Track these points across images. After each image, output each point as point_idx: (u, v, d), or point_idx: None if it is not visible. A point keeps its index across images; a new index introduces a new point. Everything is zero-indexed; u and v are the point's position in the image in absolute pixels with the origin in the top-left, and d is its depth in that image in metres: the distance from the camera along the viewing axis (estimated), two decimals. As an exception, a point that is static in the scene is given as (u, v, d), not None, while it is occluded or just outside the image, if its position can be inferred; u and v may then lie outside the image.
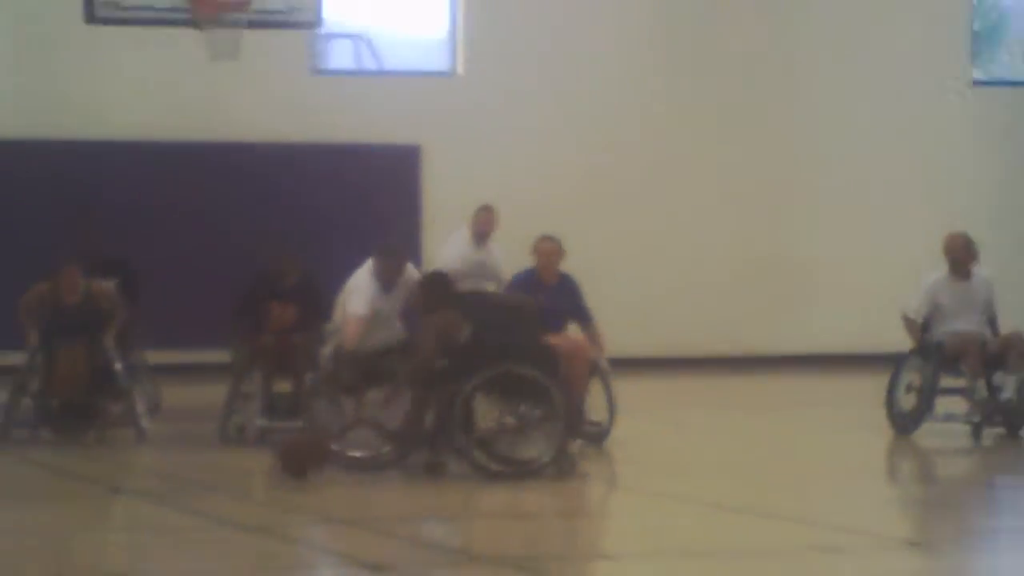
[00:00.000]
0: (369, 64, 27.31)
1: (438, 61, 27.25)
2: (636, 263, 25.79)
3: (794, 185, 27.90)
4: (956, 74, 28.70)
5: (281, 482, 14.71)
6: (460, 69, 27.05)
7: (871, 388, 18.20)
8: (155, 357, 19.35)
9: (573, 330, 17.53)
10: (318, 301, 17.25)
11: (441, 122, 26.34)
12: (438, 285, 15.62)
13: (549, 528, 13.84)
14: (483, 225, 19.04)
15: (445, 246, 19.64)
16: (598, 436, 16.77)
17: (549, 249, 17.39)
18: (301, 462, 14.72)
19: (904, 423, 17.35)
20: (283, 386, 17.33)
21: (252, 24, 21.06)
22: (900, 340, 18.05)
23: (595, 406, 16.81)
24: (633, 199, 26.63)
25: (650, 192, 26.68)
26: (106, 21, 21.01)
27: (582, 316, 17.44)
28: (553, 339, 16.38)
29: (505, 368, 15.07)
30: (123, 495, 15.11)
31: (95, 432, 16.83)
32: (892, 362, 17.93)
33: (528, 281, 17.28)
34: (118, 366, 17.07)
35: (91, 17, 20.74)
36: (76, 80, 25.04)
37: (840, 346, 26.86)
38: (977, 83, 28.95)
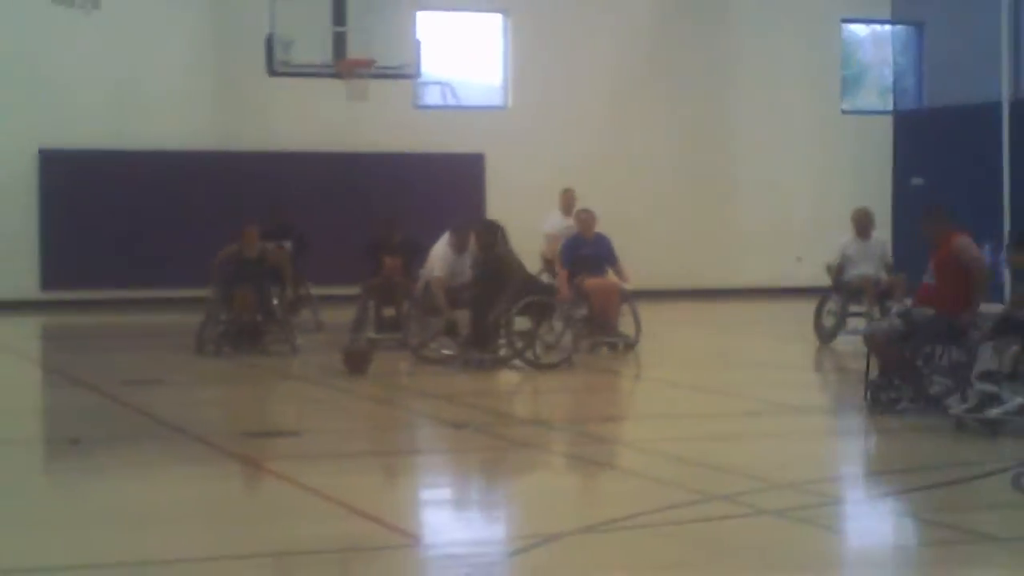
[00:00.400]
0: (451, 100, 27.21)
1: (496, 98, 27.50)
2: (640, 222, 25.60)
3: (727, 167, 27.76)
4: (832, 104, 29.07)
5: (350, 375, 14.20)
6: (510, 103, 27.27)
7: (800, 313, 18.12)
8: (316, 290, 19.06)
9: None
10: (416, 253, 16.89)
11: (498, 139, 26.49)
12: (490, 231, 15.53)
13: (580, 401, 13.88)
14: (568, 201, 18.72)
15: (547, 218, 19.11)
16: (630, 345, 16.45)
17: (586, 217, 17.24)
18: (356, 363, 14.39)
19: (825, 336, 17.23)
20: (389, 311, 17.10)
21: (375, 76, 21.11)
22: (819, 278, 18.07)
23: (625, 324, 16.59)
24: (633, 179, 26.27)
25: (641, 174, 26.48)
26: (281, 73, 20.86)
27: (612, 261, 16.97)
28: (592, 279, 16.54)
29: (534, 297, 15.10)
30: (289, 380, 15.00)
31: (261, 348, 16.10)
32: (817, 295, 17.78)
33: (575, 239, 17.06)
34: (276, 303, 16.44)
35: (271, 71, 20.77)
36: (260, 111, 24.83)
37: (771, 282, 26.81)
38: (844, 112, 29.21)
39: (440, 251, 15.94)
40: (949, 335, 11.55)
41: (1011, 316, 11.08)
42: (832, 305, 17.45)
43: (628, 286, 16.86)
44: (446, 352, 15.40)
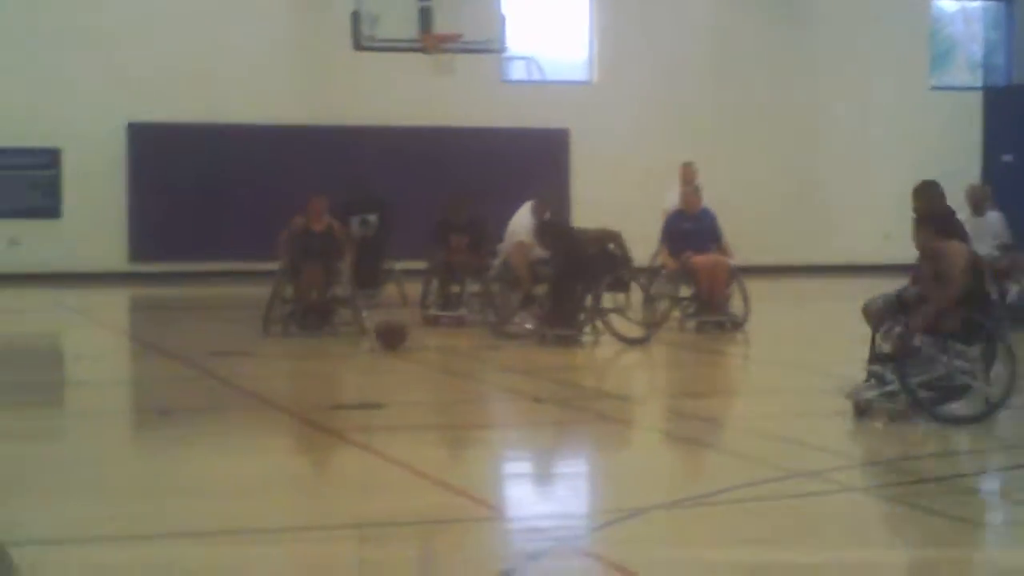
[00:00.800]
0: (536, 75, 27.11)
1: (581, 73, 27.46)
2: (726, 198, 25.57)
3: (815, 143, 27.69)
4: (921, 80, 28.80)
5: (383, 351, 14.02)
6: (595, 79, 27.23)
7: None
8: (403, 264, 18.86)
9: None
10: (483, 232, 16.86)
11: (582, 114, 26.47)
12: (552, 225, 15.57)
13: (667, 376, 13.92)
14: (688, 175, 17.95)
15: (667, 194, 18.03)
16: (737, 324, 16.02)
17: (689, 191, 16.96)
18: (389, 340, 14.17)
19: None
20: (454, 288, 16.98)
21: (461, 50, 21.18)
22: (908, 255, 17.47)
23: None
24: (718, 154, 25.02)
25: (727, 150, 25.78)
26: (367, 48, 20.91)
27: (716, 237, 16.45)
28: (699, 256, 16.10)
29: (618, 273, 15.01)
30: (371, 354, 14.35)
31: (329, 328, 15.40)
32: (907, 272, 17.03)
33: (678, 214, 16.70)
34: (344, 281, 15.68)
35: (357, 46, 20.85)
36: (345, 86, 24.96)
37: (857, 259, 26.66)
38: (933, 88, 28.87)
39: (523, 219, 15.90)
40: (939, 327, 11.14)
41: (901, 297, 10.74)
42: None
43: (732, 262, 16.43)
44: (528, 327, 15.32)
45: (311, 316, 15.40)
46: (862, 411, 10.24)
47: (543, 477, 8.91)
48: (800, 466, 8.59)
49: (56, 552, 6.70)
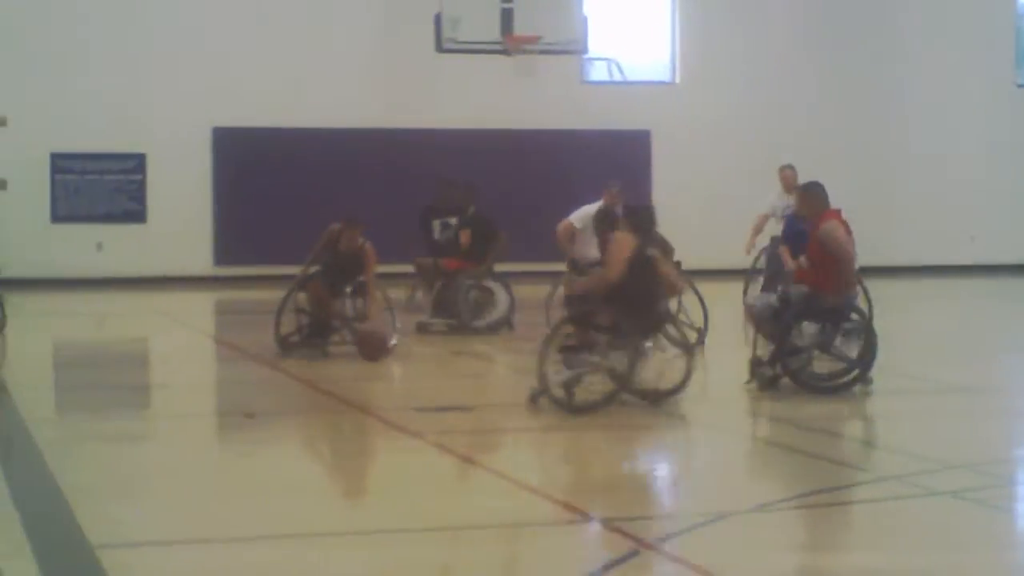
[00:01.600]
0: (617, 76, 27.30)
1: (663, 73, 27.44)
2: None
3: (897, 141, 27.57)
4: (1006, 76, 28.45)
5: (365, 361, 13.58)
6: (678, 79, 27.22)
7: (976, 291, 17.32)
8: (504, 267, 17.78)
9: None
10: (482, 227, 16.49)
11: (664, 115, 26.47)
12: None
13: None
14: (787, 179, 17.43)
15: (767, 197, 17.81)
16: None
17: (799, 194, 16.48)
18: (369, 350, 13.66)
19: None
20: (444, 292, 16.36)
21: (542, 52, 21.14)
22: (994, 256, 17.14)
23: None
24: (801, 153, 25.22)
25: (808, 148, 25.88)
26: (449, 50, 20.92)
27: None
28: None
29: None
30: (460, 356, 14.61)
31: (322, 349, 14.14)
32: (992, 274, 16.88)
33: (796, 216, 15.32)
34: (348, 302, 14.31)
35: (439, 48, 20.87)
36: (427, 89, 25.16)
37: (937, 260, 26.56)
38: (1020, 85, 28.45)
39: (591, 207, 15.27)
40: (815, 314, 11.47)
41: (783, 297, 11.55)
42: None
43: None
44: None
45: (315, 329, 14.38)
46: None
47: (629, 480, 8.89)
48: (885, 469, 8.54)
49: (146, 554, 6.79)
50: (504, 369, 13.84)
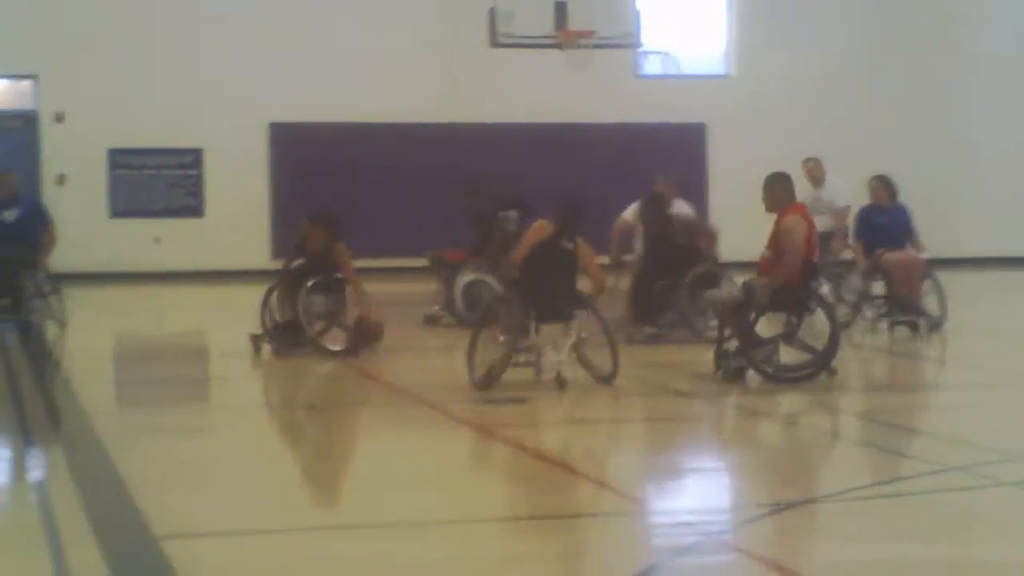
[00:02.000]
0: (672, 70, 27.19)
1: (718, 67, 27.34)
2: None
3: (967, 133, 27.37)
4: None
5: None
6: (734, 72, 27.10)
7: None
8: None
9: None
10: (487, 225, 16.41)
11: (720, 108, 26.34)
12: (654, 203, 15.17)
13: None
14: (811, 172, 17.09)
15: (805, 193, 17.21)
16: (936, 324, 15.04)
17: (876, 184, 15.72)
18: (363, 337, 13.59)
19: None
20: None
21: (596, 46, 21.22)
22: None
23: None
24: (863, 147, 25.08)
25: (872, 142, 25.91)
26: (503, 45, 21.04)
27: (910, 231, 15.52)
28: (891, 252, 15.24)
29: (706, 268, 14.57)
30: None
31: (295, 348, 13.70)
32: None
33: (871, 208, 15.71)
34: (315, 298, 13.87)
35: (493, 42, 21.04)
36: (481, 84, 25.18)
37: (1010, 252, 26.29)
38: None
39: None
40: (777, 305, 11.57)
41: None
42: None
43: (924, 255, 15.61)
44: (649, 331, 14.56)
45: (287, 330, 13.96)
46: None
47: (689, 471, 8.82)
48: (950, 460, 8.46)
49: (210, 545, 6.80)
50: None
